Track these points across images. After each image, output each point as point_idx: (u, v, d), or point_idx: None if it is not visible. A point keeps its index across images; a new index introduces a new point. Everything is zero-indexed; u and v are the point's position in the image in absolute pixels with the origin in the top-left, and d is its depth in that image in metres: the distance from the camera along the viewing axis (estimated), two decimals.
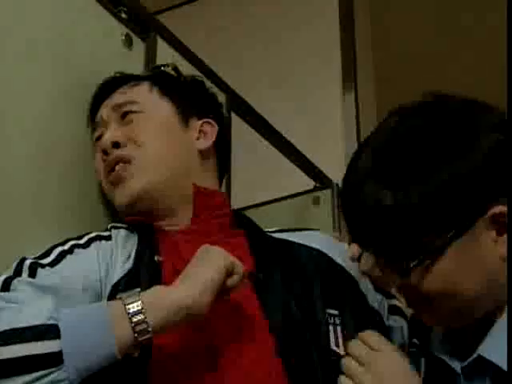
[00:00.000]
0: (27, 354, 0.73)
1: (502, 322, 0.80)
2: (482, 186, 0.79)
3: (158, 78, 1.15)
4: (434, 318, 0.86)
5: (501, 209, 0.79)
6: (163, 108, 1.11)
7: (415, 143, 0.81)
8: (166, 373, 0.86)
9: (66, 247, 0.95)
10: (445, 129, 0.81)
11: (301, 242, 1.07)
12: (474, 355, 0.80)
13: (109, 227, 1.04)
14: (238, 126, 1.71)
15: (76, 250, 0.95)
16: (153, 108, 1.10)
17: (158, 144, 1.07)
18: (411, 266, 0.80)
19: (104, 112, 1.11)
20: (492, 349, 0.79)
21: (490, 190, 0.79)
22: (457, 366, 0.84)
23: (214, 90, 1.26)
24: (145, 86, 1.12)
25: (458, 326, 0.86)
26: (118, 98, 1.11)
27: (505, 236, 0.79)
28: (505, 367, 0.75)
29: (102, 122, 1.11)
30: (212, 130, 1.13)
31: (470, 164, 0.79)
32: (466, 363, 0.82)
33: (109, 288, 0.92)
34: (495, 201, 0.79)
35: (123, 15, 1.30)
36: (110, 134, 1.07)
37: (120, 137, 1.07)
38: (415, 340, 0.97)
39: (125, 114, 1.09)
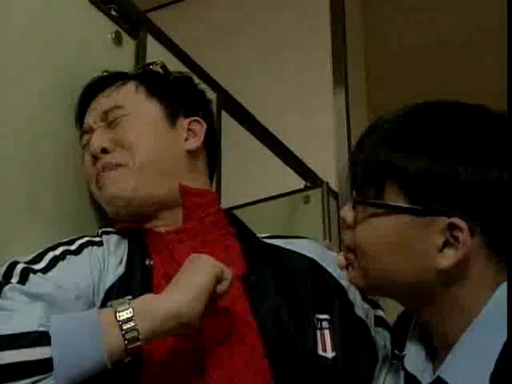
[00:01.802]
0: (17, 360, 0.73)
1: (461, 343, 0.81)
2: (467, 196, 0.80)
3: (145, 76, 1.14)
4: (357, 273, 0.89)
5: (460, 223, 0.79)
6: (149, 109, 1.09)
7: (442, 123, 0.84)
8: (153, 375, 0.86)
9: (57, 253, 0.94)
10: (482, 129, 0.83)
11: (291, 248, 1.07)
12: (434, 376, 0.82)
13: (99, 232, 1.03)
14: (229, 124, 1.70)
15: (68, 257, 0.94)
16: (139, 109, 1.08)
17: (145, 146, 1.05)
18: (366, 201, 0.85)
19: (91, 120, 1.10)
20: (450, 371, 0.80)
21: (470, 205, 0.80)
22: (426, 380, 0.85)
23: (203, 86, 1.24)
24: (131, 87, 1.11)
25: (380, 294, 0.91)
26: (104, 102, 1.09)
27: (447, 251, 0.80)
28: None
29: (89, 128, 1.10)
30: (200, 129, 1.12)
31: (479, 174, 0.80)
32: (428, 382, 0.83)
33: (102, 294, 0.91)
34: (464, 215, 0.80)
35: (113, 13, 1.29)
36: (98, 140, 1.06)
37: (107, 142, 1.06)
38: (397, 351, 0.97)
39: (112, 119, 1.08)
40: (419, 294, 0.85)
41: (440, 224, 0.81)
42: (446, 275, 0.82)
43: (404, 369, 0.90)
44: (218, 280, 0.87)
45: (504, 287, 0.81)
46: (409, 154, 0.83)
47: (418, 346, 0.90)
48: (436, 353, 0.87)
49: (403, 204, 0.82)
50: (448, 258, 0.81)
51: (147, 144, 1.06)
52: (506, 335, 0.75)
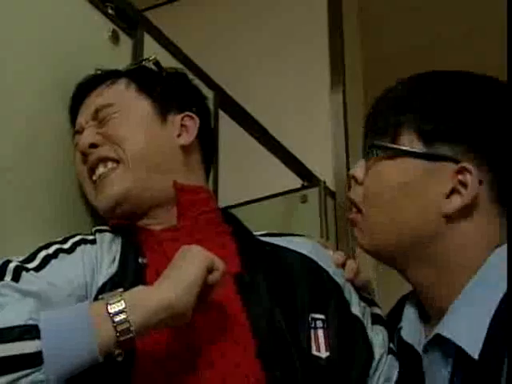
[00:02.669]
0: (6, 354, 0.72)
1: (456, 304, 0.84)
2: (479, 146, 0.85)
3: (137, 73, 1.13)
4: (362, 233, 0.93)
5: (470, 168, 0.83)
6: (140, 106, 1.09)
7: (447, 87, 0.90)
8: (145, 374, 0.85)
9: (50, 251, 0.94)
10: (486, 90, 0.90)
11: (287, 246, 1.07)
12: (433, 333, 0.85)
13: (93, 231, 1.03)
14: (226, 123, 1.70)
15: (61, 255, 0.94)
16: (128, 107, 1.08)
17: (136, 141, 1.05)
18: (380, 143, 0.89)
19: (82, 120, 1.10)
20: (448, 328, 0.83)
21: (480, 152, 0.84)
22: (421, 348, 0.89)
23: (198, 82, 1.24)
24: (121, 84, 1.10)
25: (383, 255, 0.93)
26: (95, 101, 1.09)
27: (454, 198, 0.84)
28: (460, 342, 0.80)
29: (81, 128, 1.10)
30: (193, 124, 1.11)
31: (486, 122, 0.86)
32: (426, 342, 0.87)
33: (95, 292, 0.91)
34: (473, 162, 0.84)
35: (110, 11, 1.29)
36: (86, 136, 1.06)
37: (96, 137, 1.06)
38: (392, 345, 0.99)
39: (102, 117, 1.07)
40: (420, 249, 0.87)
41: (450, 169, 0.85)
42: (449, 223, 0.85)
43: (400, 340, 0.93)
44: (210, 270, 0.87)
45: (500, 251, 0.84)
46: (420, 114, 0.88)
47: (414, 317, 0.93)
48: (430, 322, 0.90)
49: (416, 149, 0.86)
50: (454, 203, 0.84)
51: (138, 139, 1.05)
52: (501, 293, 0.79)
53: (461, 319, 0.83)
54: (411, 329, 0.93)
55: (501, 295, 0.79)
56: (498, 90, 0.90)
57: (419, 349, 0.89)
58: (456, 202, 0.84)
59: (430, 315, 0.92)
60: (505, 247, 0.84)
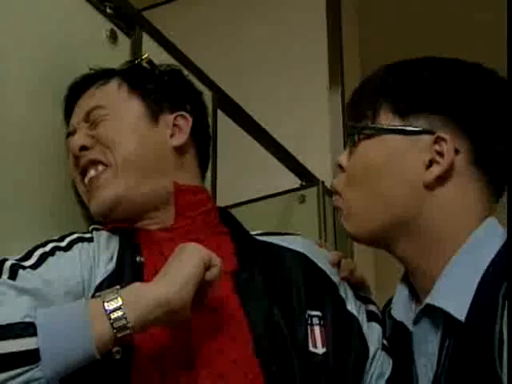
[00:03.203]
0: (3, 352, 0.72)
1: (445, 274, 0.86)
2: (452, 113, 0.87)
3: (129, 72, 1.12)
4: (347, 217, 0.95)
5: (445, 137, 0.86)
6: (130, 107, 1.08)
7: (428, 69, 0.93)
8: (143, 373, 0.86)
9: (47, 249, 0.94)
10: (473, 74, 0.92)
11: (284, 245, 1.07)
12: (422, 305, 0.87)
13: (90, 229, 1.03)
14: (225, 123, 1.70)
15: (58, 253, 0.94)
16: (119, 108, 1.07)
17: (126, 144, 1.04)
18: (360, 125, 0.92)
19: (75, 121, 1.09)
20: (435, 295, 0.85)
21: (455, 121, 0.87)
22: (412, 325, 0.91)
23: (195, 82, 1.23)
24: (113, 85, 1.09)
25: (370, 237, 0.94)
26: (87, 102, 1.09)
27: (433, 168, 0.87)
28: (447, 308, 0.83)
29: (73, 130, 1.09)
30: (186, 124, 1.10)
31: (473, 101, 0.88)
32: (416, 313, 0.89)
33: (92, 290, 0.91)
34: (449, 132, 0.87)
35: (108, 11, 1.29)
36: (78, 139, 1.06)
37: (87, 140, 1.05)
38: (385, 342, 1.00)
39: (93, 119, 1.07)
40: (407, 224, 0.89)
41: (427, 141, 0.87)
42: (430, 192, 0.87)
43: (391, 319, 0.96)
44: (207, 267, 0.87)
45: (490, 222, 0.87)
46: (395, 92, 0.91)
47: (404, 296, 0.95)
48: (420, 300, 0.92)
49: (393, 125, 0.89)
50: (433, 173, 0.87)
51: (129, 142, 1.05)
52: (488, 260, 0.81)
53: (448, 287, 0.85)
54: (401, 307, 0.94)
55: (487, 263, 0.82)
56: (468, 65, 0.93)
57: (410, 326, 0.90)
58: (435, 171, 0.87)
59: (420, 295, 0.93)
60: (491, 220, 0.87)
